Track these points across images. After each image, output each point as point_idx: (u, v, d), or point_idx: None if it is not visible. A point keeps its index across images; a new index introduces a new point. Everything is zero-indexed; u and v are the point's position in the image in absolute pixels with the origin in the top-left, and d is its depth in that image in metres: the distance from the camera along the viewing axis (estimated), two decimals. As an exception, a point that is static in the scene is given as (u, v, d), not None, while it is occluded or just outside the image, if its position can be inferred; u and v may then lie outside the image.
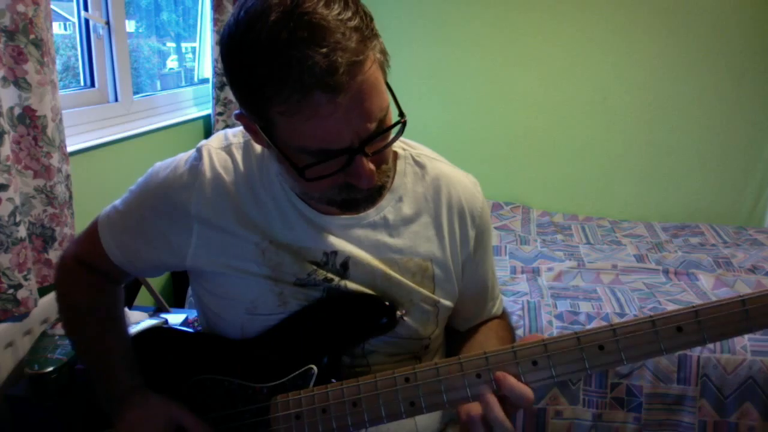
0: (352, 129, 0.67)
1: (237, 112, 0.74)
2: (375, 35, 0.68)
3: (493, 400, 0.70)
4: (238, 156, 0.85)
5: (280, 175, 0.82)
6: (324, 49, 0.62)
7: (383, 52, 0.70)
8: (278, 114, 0.66)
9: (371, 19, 0.68)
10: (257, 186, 0.84)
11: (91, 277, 0.93)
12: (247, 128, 0.76)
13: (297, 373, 0.82)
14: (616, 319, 1.85)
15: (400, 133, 0.73)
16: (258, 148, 0.86)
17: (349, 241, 0.84)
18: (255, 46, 0.64)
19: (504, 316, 1.03)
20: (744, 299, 0.65)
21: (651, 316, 0.68)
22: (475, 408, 0.72)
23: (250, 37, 0.64)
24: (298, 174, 0.70)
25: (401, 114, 0.72)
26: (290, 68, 0.62)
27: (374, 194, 0.77)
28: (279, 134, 0.69)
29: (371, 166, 0.70)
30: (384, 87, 0.70)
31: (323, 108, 0.64)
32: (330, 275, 0.83)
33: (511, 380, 0.70)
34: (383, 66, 0.70)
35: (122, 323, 0.94)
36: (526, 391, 0.69)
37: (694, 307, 0.67)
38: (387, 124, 0.71)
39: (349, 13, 0.65)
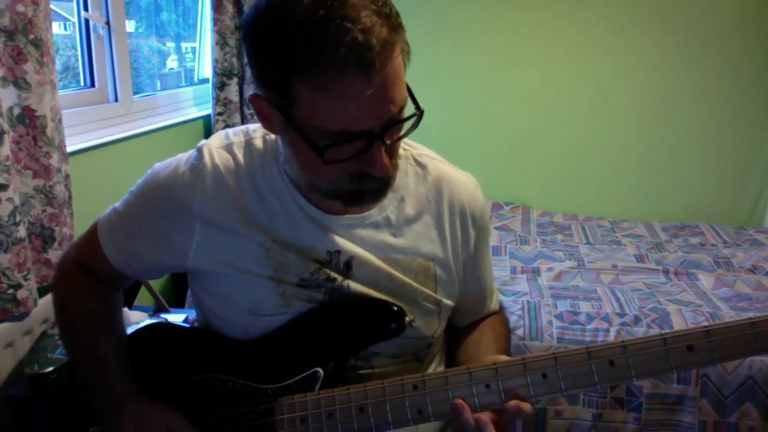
0: (376, 112, 0.67)
1: (252, 93, 0.74)
2: (402, 27, 0.70)
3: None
4: (240, 155, 0.85)
5: (286, 163, 0.81)
6: (360, 26, 0.63)
7: (407, 45, 0.71)
8: (305, 90, 0.66)
9: (398, 13, 0.70)
10: (261, 185, 0.84)
11: (90, 281, 0.92)
12: (258, 112, 0.75)
13: (303, 375, 0.81)
14: (616, 319, 1.85)
15: (416, 125, 0.74)
16: (260, 146, 0.85)
17: (352, 240, 0.84)
18: (291, 21, 0.64)
19: (500, 311, 1.04)
20: (755, 321, 0.66)
21: (662, 334, 0.68)
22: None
23: (286, 12, 0.65)
24: (318, 154, 0.69)
25: (417, 107, 0.73)
26: (327, 42, 0.63)
27: (382, 188, 0.76)
28: (298, 114, 0.69)
29: (386, 156, 0.71)
30: (404, 79, 0.71)
31: (355, 86, 0.64)
32: (333, 274, 0.83)
33: (523, 406, 0.71)
34: (405, 59, 0.71)
35: (118, 329, 0.93)
36: (529, 409, 0.71)
37: (705, 327, 0.67)
38: (403, 115, 0.72)
39: (381, 1, 0.67)
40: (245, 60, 2.48)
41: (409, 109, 0.73)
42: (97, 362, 0.87)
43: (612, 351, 0.69)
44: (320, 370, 0.81)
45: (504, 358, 0.76)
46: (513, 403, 0.71)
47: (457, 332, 0.98)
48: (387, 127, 0.69)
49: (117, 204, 0.91)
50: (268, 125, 0.77)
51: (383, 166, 0.71)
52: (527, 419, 0.73)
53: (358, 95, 0.65)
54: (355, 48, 0.63)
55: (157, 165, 0.89)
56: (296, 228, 0.83)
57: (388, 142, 0.71)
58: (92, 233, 0.91)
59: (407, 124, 0.73)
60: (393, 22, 0.67)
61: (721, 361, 0.67)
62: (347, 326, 0.83)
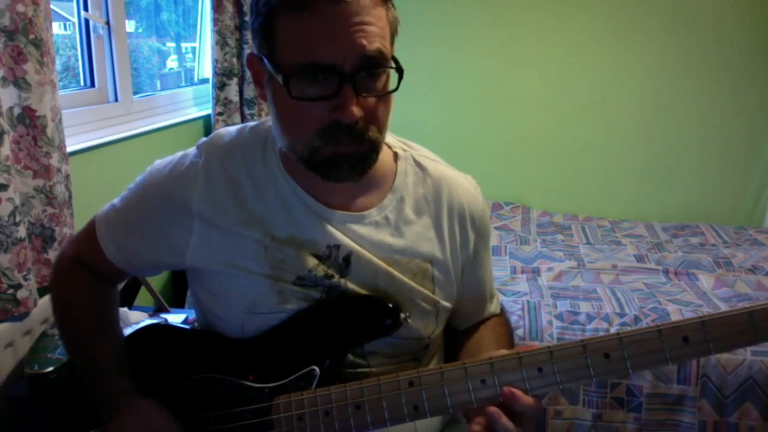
0: (344, 47, 0.70)
1: (249, 53, 0.79)
2: (391, 1, 0.75)
3: (497, 411, 0.70)
4: (239, 152, 0.85)
5: (275, 129, 0.80)
6: None
7: (396, 18, 0.75)
8: (283, 22, 0.70)
9: None
10: (260, 182, 0.84)
11: (87, 277, 0.93)
12: (254, 76, 0.79)
13: (299, 374, 0.82)
14: (616, 319, 1.85)
15: (396, 88, 0.75)
16: (259, 143, 0.86)
17: (351, 237, 0.84)
18: None
19: (502, 313, 1.03)
20: (751, 311, 0.65)
21: (658, 326, 0.67)
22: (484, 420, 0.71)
23: None
24: (284, 84, 0.71)
25: (398, 66, 0.75)
26: None
27: (357, 156, 0.76)
28: (279, 56, 0.72)
29: (358, 108, 0.71)
30: (387, 35, 0.73)
31: (323, 11, 0.68)
32: (331, 271, 0.83)
33: (519, 395, 0.70)
34: (392, 26, 0.75)
35: (115, 326, 0.93)
36: (531, 402, 0.70)
37: (701, 317, 0.66)
38: (386, 75, 0.74)
39: None
40: (245, 60, 2.48)
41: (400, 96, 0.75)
42: (96, 359, 0.88)
43: (607, 344, 0.69)
44: (316, 369, 0.81)
45: (501, 352, 0.75)
46: (507, 388, 0.70)
47: (458, 335, 0.98)
48: (358, 69, 0.70)
49: (115, 200, 0.91)
50: (259, 89, 0.80)
51: (351, 112, 0.71)
52: (531, 414, 0.72)
53: (326, 23, 0.68)
54: None
55: (157, 162, 0.89)
56: (296, 222, 0.83)
57: (363, 93, 0.72)
58: (90, 230, 0.91)
59: (391, 86, 0.75)
60: None
61: (716, 352, 0.66)
62: (343, 324, 0.83)
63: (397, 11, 0.76)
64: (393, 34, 0.75)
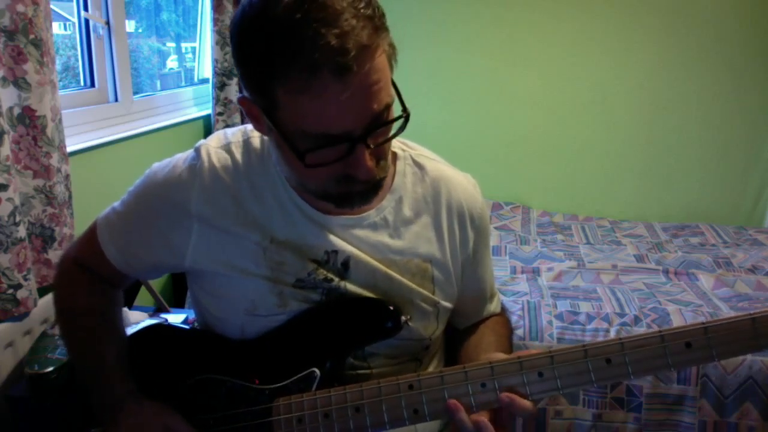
0: (355, 115, 0.67)
1: (240, 95, 0.75)
2: (386, 28, 0.69)
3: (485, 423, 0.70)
4: (238, 154, 0.85)
5: (277, 163, 0.81)
6: (337, 30, 0.63)
7: (392, 46, 0.71)
8: (284, 93, 0.66)
9: (383, 14, 0.69)
10: (259, 184, 0.84)
11: (90, 280, 0.93)
12: (248, 113, 0.75)
13: (300, 375, 0.81)
14: (616, 319, 1.85)
15: (403, 128, 0.73)
16: (258, 146, 0.86)
17: (349, 241, 0.84)
18: (269, 24, 0.65)
19: (502, 313, 1.03)
20: (754, 317, 0.64)
21: (660, 331, 0.67)
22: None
23: (264, 15, 0.65)
24: (299, 157, 0.69)
25: (404, 109, 0.72)
26: (302, 46, 0.63)
27: (370, 190, 0.76)
28: (282, 116, 0.69)
29: (371, 159, 0.70)
30: (389, 80, 0.70)
31: (330, 88, 0.64)
32: (330, 275, 0.83)
33: (517, 400, 0.70)
34: (391, 60, 0.71)
35: (118, 328, 0.93)
36: (529, 406, 0.70)
37: (704, 323, 0.66)
38: (390, 117, 0.71)
39: (363, 3, 0.66)
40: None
41: (398, 111, 0.72)
42: (98, 361, 0.88)
43: (609, 349, 0.68)
44: (317, 371, 0.81)
45: (500, 356, 0.75)
46: (505, 394, 0.70)
47: (458, 334, 0.98)
48: (369, 129, 0.69)
49: (116, 204, 0.91)
50: (257, 126, 0.77)
51: (368, 170, 0.70)
52: (527, 416, 0.72)
53: (334, 98, 0.65)
54: (329, 52, 0.63)
55: (155, 165, 0.89)
56: (294, 227, 0.83)
57: (372, 145, 0.70)
58: (92, 233, 0.91)
59: (395, 126, 0.73)
60: (375, 23, 0.67)
61: (720, 358, 0.66)
62: (343, 326, 0.83)
63: (392, 31, 0.72)
64: (392, 64, 0.72)
